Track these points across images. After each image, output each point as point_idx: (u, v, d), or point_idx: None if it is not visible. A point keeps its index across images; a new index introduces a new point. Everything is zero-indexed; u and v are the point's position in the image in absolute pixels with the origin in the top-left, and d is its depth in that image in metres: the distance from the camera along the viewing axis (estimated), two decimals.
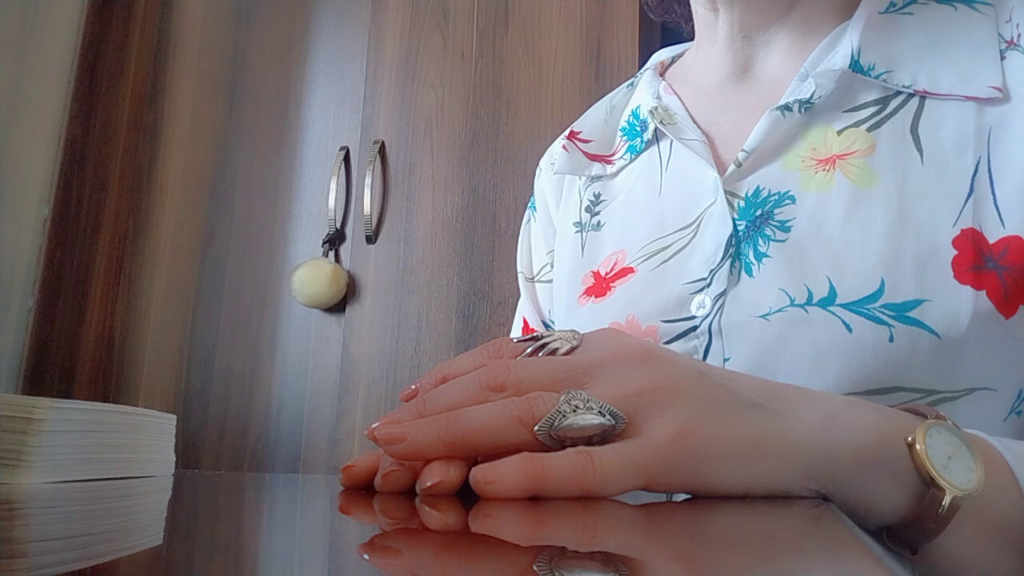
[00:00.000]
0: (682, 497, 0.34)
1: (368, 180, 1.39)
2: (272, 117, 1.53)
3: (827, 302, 0.46)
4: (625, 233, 0.60)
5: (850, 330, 0.45)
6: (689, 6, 0.64)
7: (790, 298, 0.47)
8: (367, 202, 1.38)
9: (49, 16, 1.58)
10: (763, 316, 0.47)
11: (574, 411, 0.32)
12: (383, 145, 1.42)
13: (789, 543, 0.25)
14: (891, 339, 0.44)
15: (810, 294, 0.47)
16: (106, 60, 1.64)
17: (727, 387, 0.35)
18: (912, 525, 0.34)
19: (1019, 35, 0.50)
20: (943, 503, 0.33)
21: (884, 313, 0.45)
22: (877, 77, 0.51)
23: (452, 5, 1.44)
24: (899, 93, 0.51)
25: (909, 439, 0.34)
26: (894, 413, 0.36)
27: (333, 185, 1.42)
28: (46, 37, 1.57)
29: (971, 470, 0.34)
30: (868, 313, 0.45)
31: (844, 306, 0.46)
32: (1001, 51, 0.50)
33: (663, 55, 0.69)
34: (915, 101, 0.51)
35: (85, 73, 1.59)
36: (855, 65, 0.52)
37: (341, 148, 1.44)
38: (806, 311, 0.46)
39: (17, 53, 1.54)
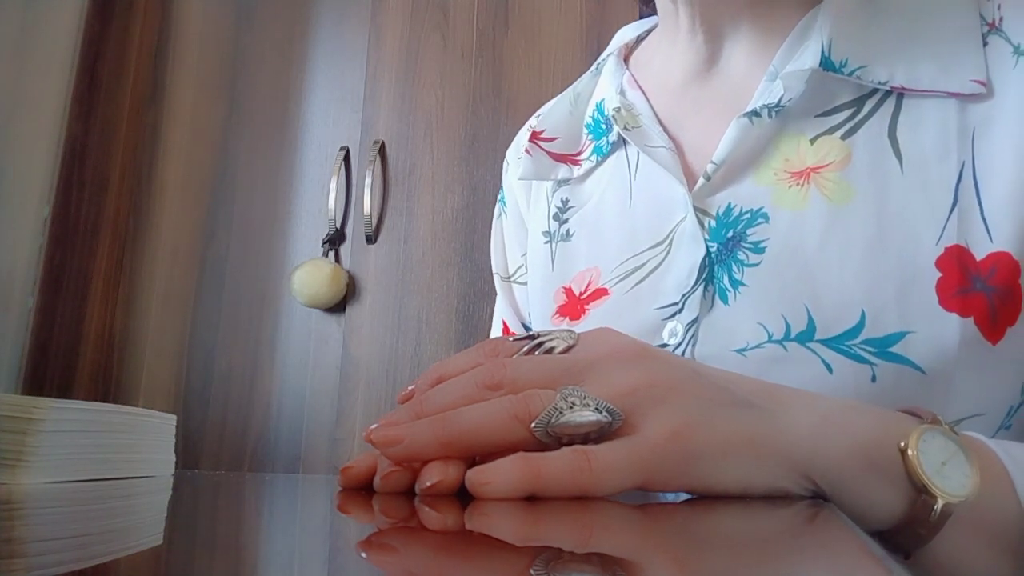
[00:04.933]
0: (681, 497, 0.34)
1: (368, 180, 1.39)
2: (272, 117, 1.53)
3: (806, 337, 0.44)
4: (597, 248, 0.56)
5: (830, 371, 0.43)
6: None
7: (768, 333, 0.45)
8: (367, 202, 1.38)
9: (49, 16, 1.58)
10: (740, 351, 0.45)
11: (571, 408, 0.32)
12: (383, 145, 1.42)
13: (788, 543, 0.25)
14: (873, 379, 0.42)
15: (788, 327, 0.44)
16: (106, 60, 1.63)
17: (722, 386, 0.35)
18: (905, 530, 0.34)
19: (1000, 17, 0.47)
20: (935, 509, 0.33)
21: (865, 350, 0.43)
22: (851, 74, 0.47)
23: (452, 5, 1.44)
24: (875, 92, 0.48)
25: (902, 444, 0.34)
26: (890, 416, 0.36)
27: (333, 185, 1.42)
28: (46, 37, 1.57)
29: (966, 476, 0.34)
30: (849, 351, 0.43)
31: (824, 342, 0.43)
32: (983, 35, 0.47)
33: (627, 35, 0.65)
34: (892, 100, 0.47)
35: (85, 73, 1.59)
36: (826, 62, 0.48)
37: (341, 148, 1.44)
38: (784, 348, 0.44)
39: (17, 53, 1.54)
